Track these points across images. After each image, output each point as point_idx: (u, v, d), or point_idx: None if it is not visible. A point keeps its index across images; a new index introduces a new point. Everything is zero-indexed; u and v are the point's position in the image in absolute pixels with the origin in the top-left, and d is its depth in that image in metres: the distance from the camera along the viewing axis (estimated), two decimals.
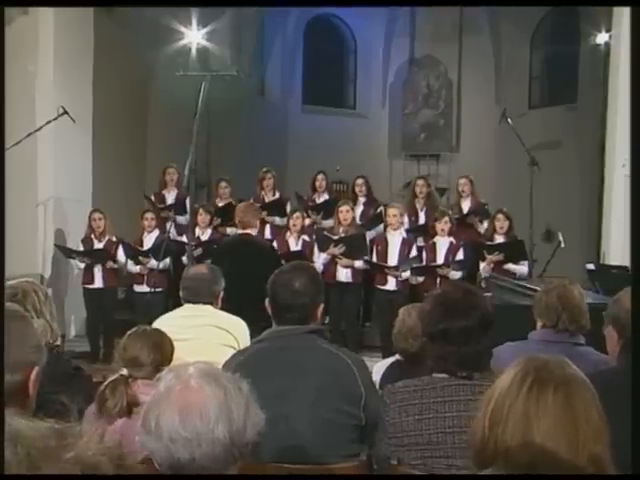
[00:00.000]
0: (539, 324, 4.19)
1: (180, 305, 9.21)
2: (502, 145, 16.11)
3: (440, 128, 16.71)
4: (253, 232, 7.30)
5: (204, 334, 4.64)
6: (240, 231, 7.41)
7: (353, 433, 3.22)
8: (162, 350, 3.59)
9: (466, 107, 16.90)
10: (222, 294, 4.97)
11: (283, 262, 8.82)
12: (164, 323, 4.47)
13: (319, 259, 9.21)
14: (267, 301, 3.41)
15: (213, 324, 4.76)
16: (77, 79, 9.98)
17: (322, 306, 3.41)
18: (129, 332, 3.67)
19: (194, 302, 4.86)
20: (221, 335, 4.73)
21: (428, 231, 9.58)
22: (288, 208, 10.35)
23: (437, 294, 3.12)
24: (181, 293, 4.97)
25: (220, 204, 10.51)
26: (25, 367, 2.11)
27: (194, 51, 12.80)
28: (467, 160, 16.03)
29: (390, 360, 4.43)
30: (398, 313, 8.77)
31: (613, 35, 9.58)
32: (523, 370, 1.81)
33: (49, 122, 8.77)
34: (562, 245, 8.79)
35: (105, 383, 3.39)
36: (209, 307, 4.86)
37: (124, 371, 3.44)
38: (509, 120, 9.80)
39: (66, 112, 8.62)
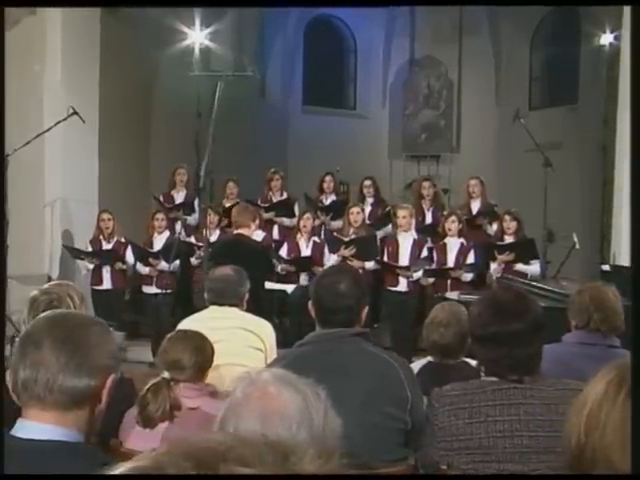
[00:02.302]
0: (572, 325, 4.21)
1: (188, 306, 9.23)
2: (502, 146, 16.15)
3: (441, 129, 16.69)
4: (246, 232, 7.30)
5: (232, 336, 4.61)
6: (234, 231, 7.46)
7: (400, 437, 3.20)
8: (203, 353, 3.57)
9: (466, 108, 16.88)
10: (247, 296, 4.93)
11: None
12: (193, 325, 4.42)
13: (329, 261, 9.23)
14: (310, 304, 3.38)
15: (240, 326, 4.74)
16: (84, 79, 9.93)
17: (367, 308, 3.38)
18: (169, 335, 3.65)
19: (219, 304, 4.84)
20: (248, 337, 4.72)
21: (437, 231, 9.58)
22: (296, 209, 10.34)
23: (487, 297, 3.09)
24: (206, 295, 4.94)
25: (227, 204, 10.48)
26: (102, 373, 2.10)
27: (197, 51, 12.77)
28: (467, 161, 16.00)
29: (422, 362, 4.40)
30: (410, 314, 8.84)
31: (622, 35, 9.57)
32: (619, 375, 1.78)
33: (59, 122, 8.73)
34: (577, 246, 8.77)
35: (147, 387, 3.35)
36: (235, 309, 4.83)
37: (166, 374, 3.40)
38: (521, 120, 9.69)
39: (76, 112, 8.58)
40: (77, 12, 9.60)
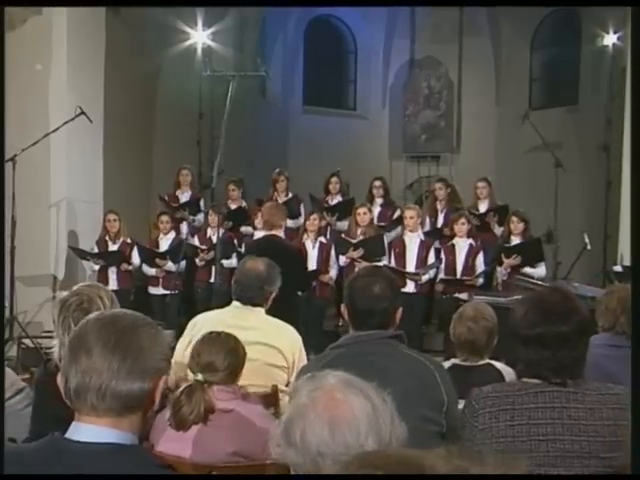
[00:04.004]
0: (599, 327, 4.20)
1: (191, 306, 9.15)
2: (502, 146, 16.15)
3: (441, 129, 16.67)
4: (279, 233, 7.24)
5: (253, 354, 4.01)
6: (266, 232, 7.33)
7: (436, 440, 3.16)
8: (237, 355, 3.54)
9: (466, 108, 16.86)
10: (273, 295, 4.69)
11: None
12: (215, 325, 4.24)
13: (335, 263, 9.25)
14: (343, 306, 3.35)
15: (261, 342, 4.36)
16: (89, 80, 9.89)
17: (400, 310, 3.35)
18: (201, 337, 3.61)
19: (243, 302, 4.61)
20: (270, 354, 4.39)
21: (444, 234, 9.60)
22: (302, 209, 10.32)
23: (532, 297, 3.04)
24: (232, 286, 4.70)
25: (232, 206, 10.44)
26: (154, 375, 2.06)
27: (200, 52, 12.74)
28: (467, 161, 16.01)
29: (447, 364, 4.37)
30: (418, 315, 8.84)
31: (626, 35, 9.58)
32: None
33: (67, 122, 8.70)
34: (588, 247, 8.76)
35: (181, 389, 3.32)
36: (260, 313, 4.62)
37: (199, 376, 3.37)
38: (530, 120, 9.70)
39: (83, 112, 8.55)
40: (82, 13, 9.59)
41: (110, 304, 3.53)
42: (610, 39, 13.20)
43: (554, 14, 15.94)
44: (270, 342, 4.41)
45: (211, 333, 3.64)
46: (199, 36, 12.64)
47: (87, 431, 2.03)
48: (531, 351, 2.89)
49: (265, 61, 15.97)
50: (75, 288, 3.52)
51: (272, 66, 16.27)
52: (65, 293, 3.50)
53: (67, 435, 2.05)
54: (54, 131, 8.79)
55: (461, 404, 3.32)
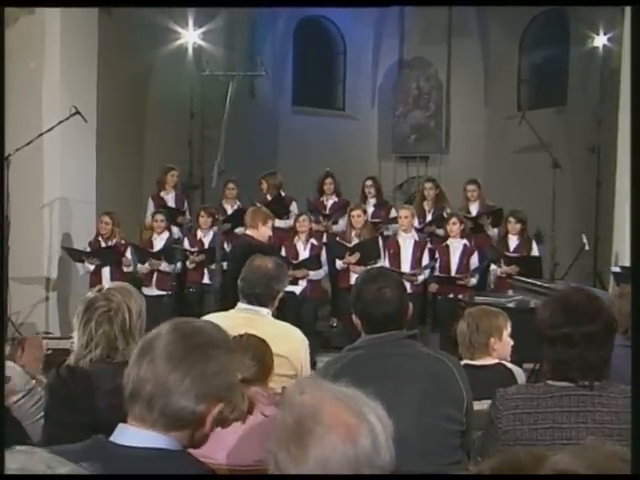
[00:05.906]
0: None
1: (189, 310, 9.10)
2: (491, 147, 16.17)
3: (430, 130, 16.65)
4: (253, 233, 7.36)
5: None
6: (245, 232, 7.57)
7: (456, 439, 3.15)
8: (264, 351, 3.57)
9: (455, 109, 16.86)
10: (281, 294, 4.63)
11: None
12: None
13: (325, 264, 9.26)
14: (354, 316, 3.32)
15: (274, 352, 3.99)
16: (82, 80, 9.83)
17: (411, 306, 3.34)
18: None
19: (250, 301, 4.51)
20: (281, 364, 4.15)
21: (437, 233, 9.62)
22: (294, 208, 10.27)
23: (558, 297, 3.03)
24: (239, 284, 4.62)
25: (227, 206, 10.37)
26: (211, 400, 2.01)
27: (190, 51, 12.70)
28: (456, 162, 16.02)
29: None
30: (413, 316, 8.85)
31: (623, 36, 9.59)
32: None
33: (61, 122, 8.64)
34: (587, 248, 8.76)
35: None
36: (267, 317, 4.52)
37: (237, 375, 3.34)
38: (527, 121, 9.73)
39: (78, 112, 8.49)
40: (75, 12, 9.52)
41: (137, 317, 3.36)
42: (600, 40, 13.23)
43: (543, 15, 15.95)
44: (280, 352, 4.12)
45: (234, 337, 3.60)
46: (190, 36, 12.62)
47: (134, 435, 1.99)
48: (558, 350, 2.87)
49: (255, 61, 15.93)
50: (105, 290, 3.33)
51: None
52: (93, 293, 3.35)
53: (112, 438, 2.02)
54: (48, 131, 8.72)
55: (475, 404, 3.31)
